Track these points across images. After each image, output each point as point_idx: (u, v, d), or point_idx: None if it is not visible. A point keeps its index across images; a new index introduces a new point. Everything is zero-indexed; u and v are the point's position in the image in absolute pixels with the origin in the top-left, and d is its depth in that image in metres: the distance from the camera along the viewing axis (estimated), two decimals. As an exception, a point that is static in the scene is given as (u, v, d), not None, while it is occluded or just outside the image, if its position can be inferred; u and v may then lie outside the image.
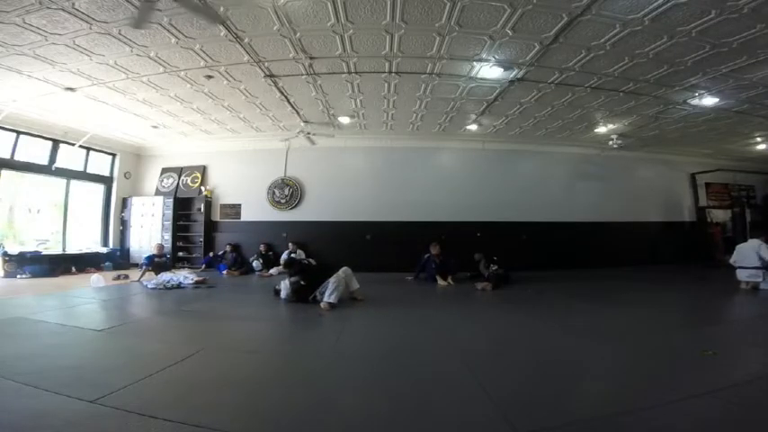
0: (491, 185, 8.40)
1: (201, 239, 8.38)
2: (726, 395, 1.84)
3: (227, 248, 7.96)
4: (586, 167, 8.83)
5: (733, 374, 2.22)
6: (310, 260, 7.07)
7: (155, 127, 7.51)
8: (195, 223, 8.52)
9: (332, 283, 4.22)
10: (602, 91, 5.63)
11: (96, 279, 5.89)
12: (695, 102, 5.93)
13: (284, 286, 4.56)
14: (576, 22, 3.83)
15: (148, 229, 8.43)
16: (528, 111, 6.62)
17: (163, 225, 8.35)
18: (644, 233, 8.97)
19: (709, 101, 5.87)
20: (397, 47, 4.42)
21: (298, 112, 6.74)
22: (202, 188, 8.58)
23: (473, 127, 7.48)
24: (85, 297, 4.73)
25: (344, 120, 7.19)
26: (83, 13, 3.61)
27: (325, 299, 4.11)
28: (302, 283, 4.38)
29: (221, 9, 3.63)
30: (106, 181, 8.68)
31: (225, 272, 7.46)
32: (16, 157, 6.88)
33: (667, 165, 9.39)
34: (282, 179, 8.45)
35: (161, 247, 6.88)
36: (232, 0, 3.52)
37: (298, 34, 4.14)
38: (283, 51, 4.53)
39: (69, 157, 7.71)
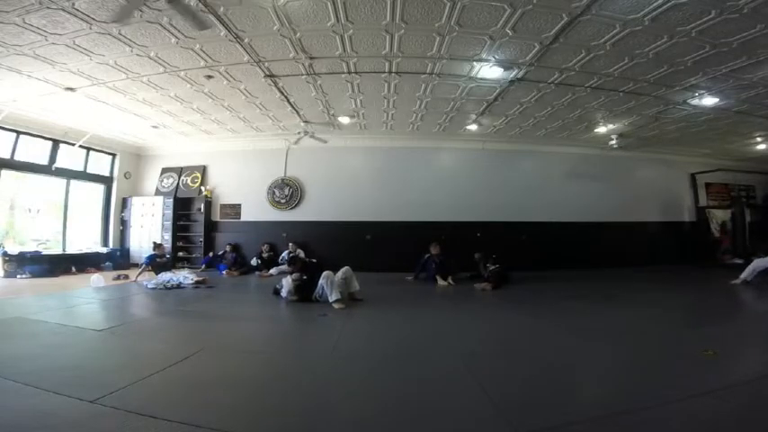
0: (491, 185, 8.39)
1: (201, 239, 8.38)
2: (726, 395, 1.84)
3: (227, 248, 7.96)
4: (586, 167, 8.80)
5: (733, 374, 2.22)
6: (312, 259, 7.07)
7: (155, 127, 7.51)
8: (195, 223, 8.52)
9: (324, 284, 4.21)
10: (602, 91, 5.63)
11: (96, 279, 5.89)
12: (695, 102, 5.93)
13: (285, 284, 4.53)
14: (576, 22, 3.83)
15: (148, 229, 8.42)
16: (528, 111, 6.62)
17: (163, 225, 8.35)
18: (644, 233, 8.96)
19: (710, 101, 5.86)
20: (397, 47, 4.42)
21: (298, 112, 6.74)
22: (202, 188, 8.57)
23: (473, 127, 7.48)
24: (85, 297, 4.72)
25: (344, 120, 7.18)
26: (83, 12, 3.61)
27: (331, 299, 4.11)
28: (305, 277, 4.38)
29: (221, 9, 3.63)
30: (106, 181, 8.67)
31: (225, 272, 7.45)
32: (16, 157, 6.88)
33: (667, 165, 9.37)
34: (282, 179, 8.44)
35: (162, 246, 6.87)
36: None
37: (298, 34, 4.14)
38: (283, 51, 4.52)
39: (69, 157, 7.71)
